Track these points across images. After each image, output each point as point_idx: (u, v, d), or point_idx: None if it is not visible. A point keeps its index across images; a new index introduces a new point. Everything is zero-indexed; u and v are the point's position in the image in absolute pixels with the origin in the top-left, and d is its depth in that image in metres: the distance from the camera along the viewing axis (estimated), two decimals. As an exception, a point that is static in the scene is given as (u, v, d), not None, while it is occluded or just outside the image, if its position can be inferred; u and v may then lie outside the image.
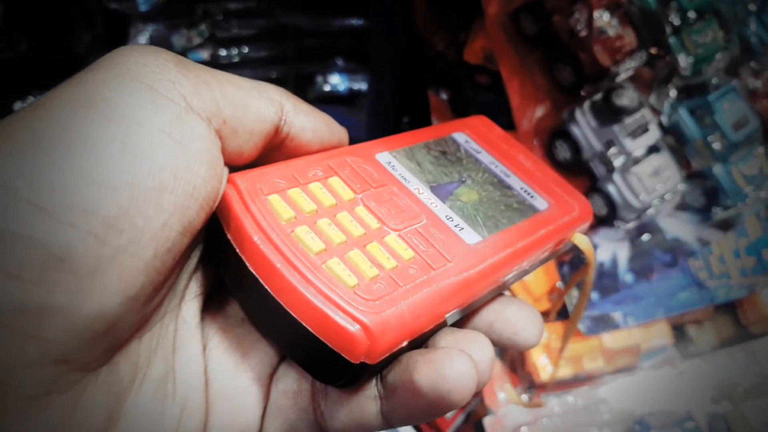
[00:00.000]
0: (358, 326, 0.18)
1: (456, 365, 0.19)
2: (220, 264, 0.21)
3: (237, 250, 0.19)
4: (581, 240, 0.26)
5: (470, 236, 0.23)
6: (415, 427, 0.50)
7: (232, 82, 0.20)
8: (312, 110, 0.23)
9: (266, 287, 0.19)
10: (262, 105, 0.20)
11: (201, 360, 0.21)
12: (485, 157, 0.27)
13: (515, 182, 0.26)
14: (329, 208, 0.21)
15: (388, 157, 0.25)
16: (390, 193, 0.23)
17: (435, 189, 0.24)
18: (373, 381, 0.20)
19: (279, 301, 0.18)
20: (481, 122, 0.29)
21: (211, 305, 0.23)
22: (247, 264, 0.19)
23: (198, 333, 0.21)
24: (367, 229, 0.21)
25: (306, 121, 0.22)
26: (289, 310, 0.18)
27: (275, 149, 0.22)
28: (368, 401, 0.20)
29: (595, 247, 0.50)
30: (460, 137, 0.28)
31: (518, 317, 0.23)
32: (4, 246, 0.14)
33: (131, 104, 0.16)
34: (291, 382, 0.22)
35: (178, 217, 0.17)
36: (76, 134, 0.15)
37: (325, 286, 0.18)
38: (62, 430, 0.16)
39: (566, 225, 0.26)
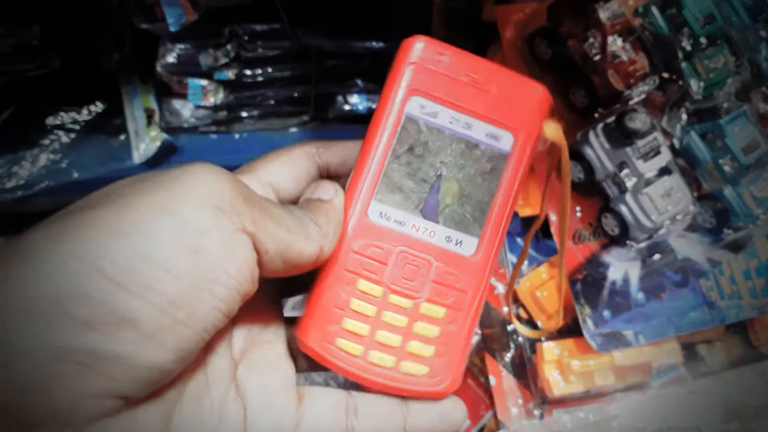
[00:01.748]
0: (438, 390, 0.27)
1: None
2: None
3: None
4: (549, 129, 0.28)
5: (469, 245, 0.27)
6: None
7: (282, 221, 0.24)
8: (336, 225, 0.26)
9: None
10: (303, 244, 0.24)
11: (232, 376, 0.25)
12: (444, 117, 0.26)
13: (479, 130, 0.26)
14: (376, 317, 0.26)
15: (377, 207, 0.26)
16: (400, 260, 0.26)
17: (425, 211, 0.26)
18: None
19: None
20: (421, 51, 0.27)
21: (243, 322, 0.27)
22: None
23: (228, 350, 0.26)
24: (407, 314, 0.26)
25: (336, 236, 0.26)
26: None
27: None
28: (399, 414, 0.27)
29: (607, 266, 0.51)
30: (413, 107, 0.26)
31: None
32: (87, 306, 0.19)
33: (200, 217, 0.21)
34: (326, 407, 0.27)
35: (225, 304, 0.22)
36: (153, 232, 0.20)
37: (410, 384, 0.26)
38: None
39: (534, 145, 0.27)
